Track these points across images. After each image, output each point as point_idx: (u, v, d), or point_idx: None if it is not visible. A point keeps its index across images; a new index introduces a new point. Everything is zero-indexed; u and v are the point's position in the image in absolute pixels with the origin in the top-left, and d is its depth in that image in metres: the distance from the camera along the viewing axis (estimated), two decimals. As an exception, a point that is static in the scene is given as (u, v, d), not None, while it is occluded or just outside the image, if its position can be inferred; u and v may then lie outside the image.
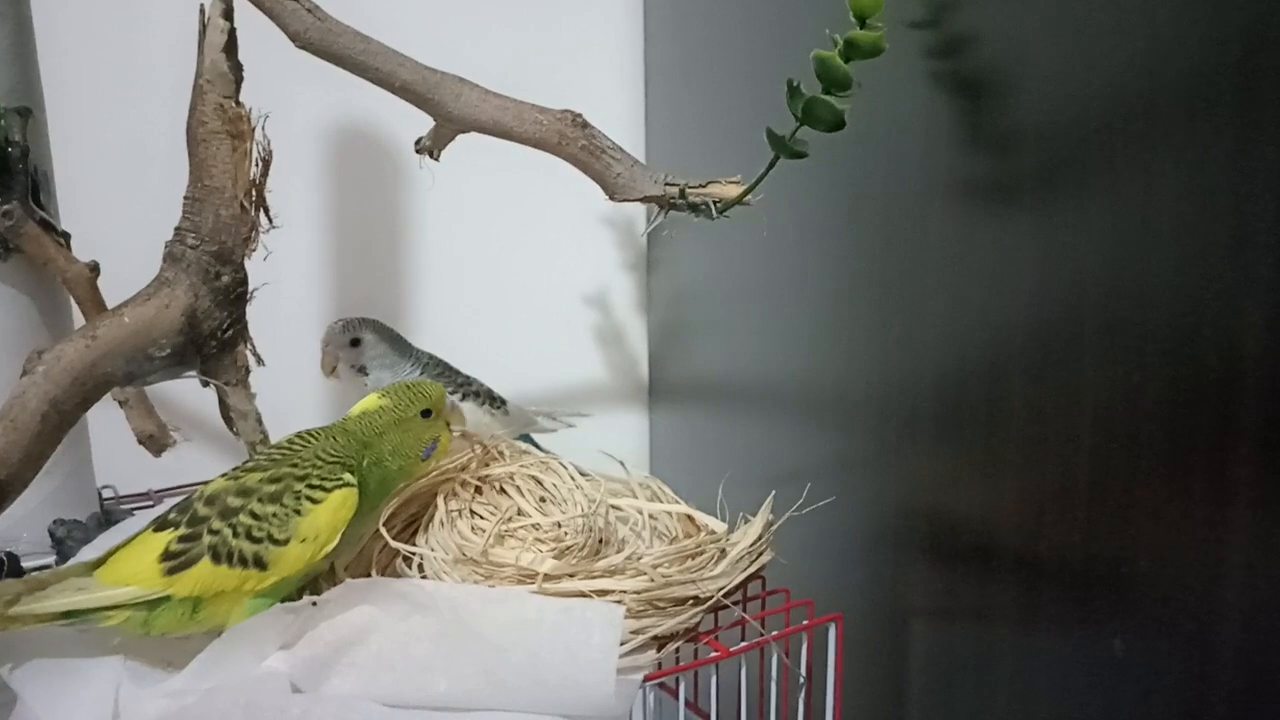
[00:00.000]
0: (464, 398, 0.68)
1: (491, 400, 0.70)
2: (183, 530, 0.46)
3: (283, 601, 0.47)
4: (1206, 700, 0.46)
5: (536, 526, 0.53)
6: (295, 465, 0.47)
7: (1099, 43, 0.48)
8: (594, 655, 0.44)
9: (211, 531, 0.45)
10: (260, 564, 0.45)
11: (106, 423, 0.59)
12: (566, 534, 0.52)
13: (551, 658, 0.44)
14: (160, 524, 0.47)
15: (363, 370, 0.66)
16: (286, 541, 0.46)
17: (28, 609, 0.44)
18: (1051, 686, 0.54)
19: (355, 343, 0.66)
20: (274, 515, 0.46)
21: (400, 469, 0.50)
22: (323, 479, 0.47)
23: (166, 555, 0.45)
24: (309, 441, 0.49)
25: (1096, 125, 0.48)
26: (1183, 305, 0.45)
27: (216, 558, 0.45)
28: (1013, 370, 0.54)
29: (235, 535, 0.45)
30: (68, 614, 0.44)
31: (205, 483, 0.48)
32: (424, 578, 0.50)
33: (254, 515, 0.46)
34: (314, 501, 0.46)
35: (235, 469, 0.49)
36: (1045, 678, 0.54)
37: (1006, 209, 0.54)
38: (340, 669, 0.45)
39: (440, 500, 0.54)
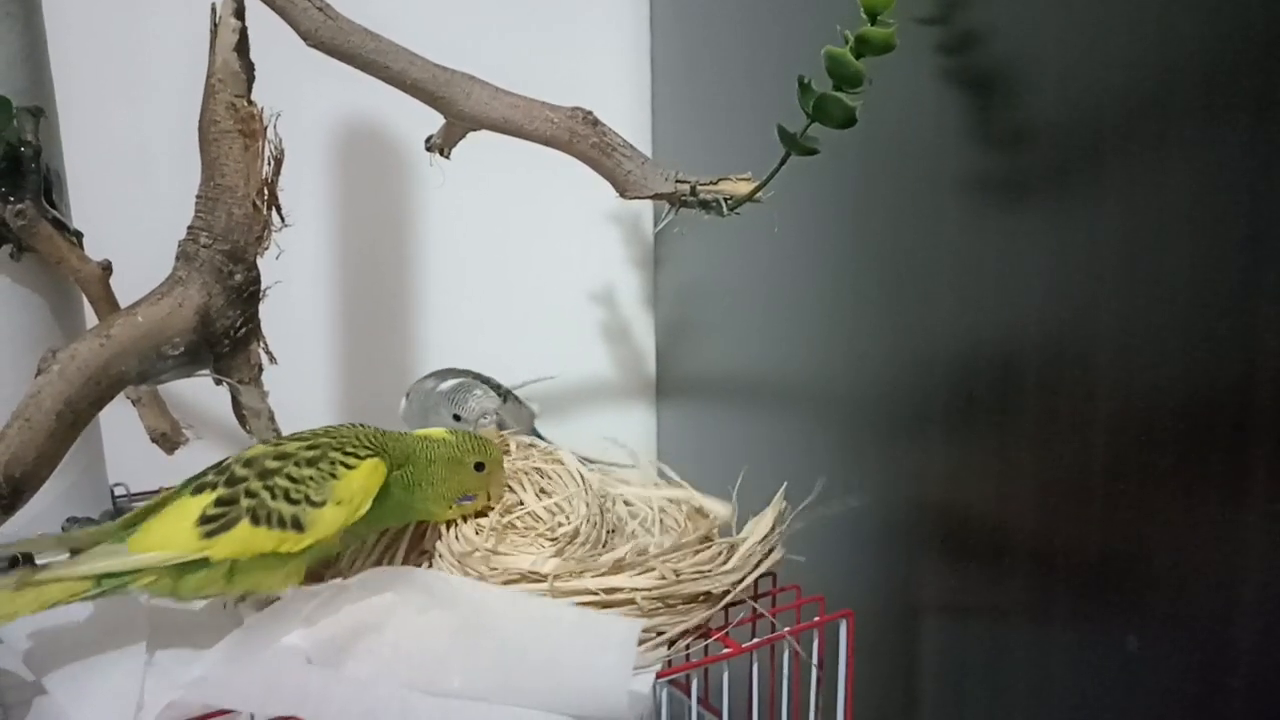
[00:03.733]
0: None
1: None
2: (220, 491, 0.46)
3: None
4: (1220, 698, 0.46)
5: (537, 518, 0.53)
6: (333, 437, 0.49)
7: (1113, 39, 0.48)
8: (610, 662, 0.45)
9: (249, 494, 0.46)
10: (298, 525, 0.46)
11: (119, 421, 0.59)
12: (566, 523, 0.52)
13: (568, 662, 0.45)
14: (198, 486, 0.47)
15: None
16: (323, 503, 0.46)
17: (61, 573, 0.44)
18: (1064, 683, 0.54)
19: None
20: (310, 478, 0.47)
21: (426, 509, 0.51)
22: (356, 448, 0.48)
23: (204, 519, 0.46)
24: (352, 428, 0.50)
25: (1110, 122, 0.48)
26: (1197, 303, 0.45)
27: (255, 520, 0.46)
28: (1025, 367, 0.54)
29: (274, 497, 0.46)
30: (99, 580, 0.45)
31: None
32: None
33: (291, 479, 0.47)
34: (348, 467, 0.47)
35: (277, 438, 0.50)
36: (1058, 674, 0.54)
37: (1018, 206, 0.54)
38: (357, 654, 0.45)
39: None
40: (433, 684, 0.45)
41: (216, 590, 0.47)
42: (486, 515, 0.53)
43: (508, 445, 0.58)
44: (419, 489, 0.50)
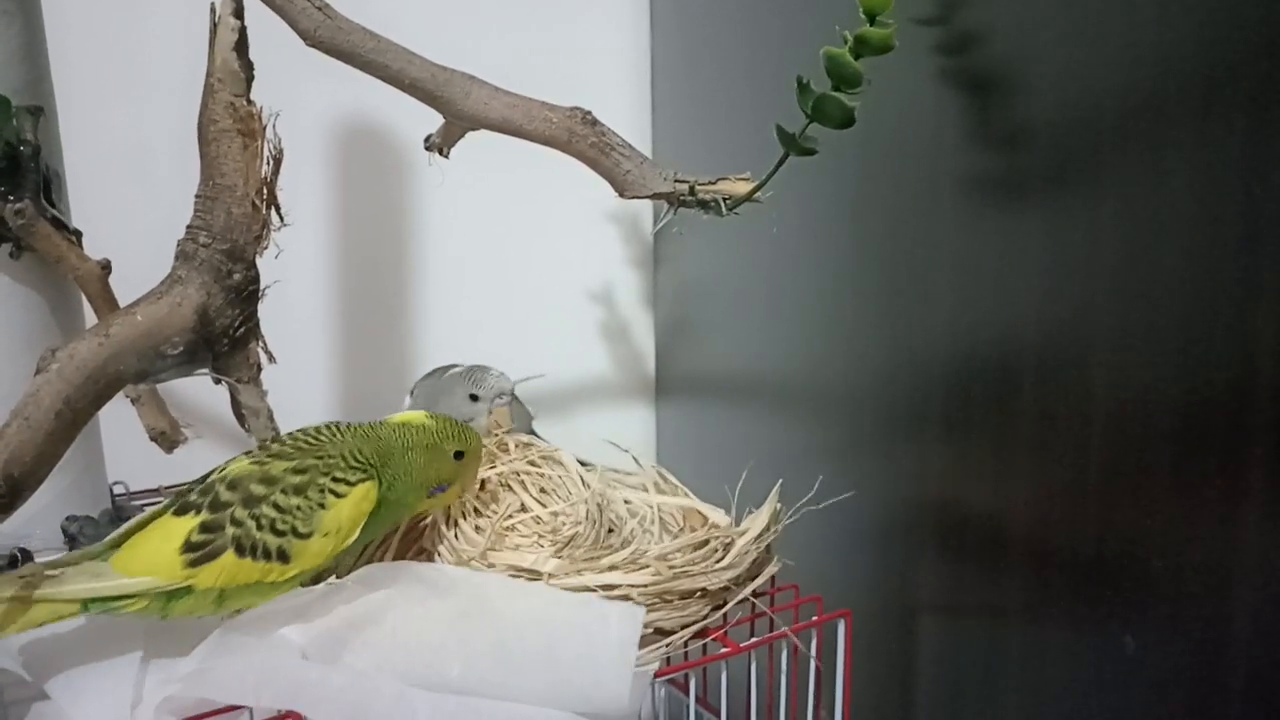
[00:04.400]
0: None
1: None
2: (205, 516, 0.45)
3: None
4: (1217, 697, 0.46)
5: (538, 520, 0.53)
6: (321, 458, 0.47)
7: (1110, 40, 0.48)
8: (611, 647, 0.45)
9: (235, 522, 0.45)
10: (283, 557, 0.45)
11: (118, 419, 0.59)
12: (566, 524, 0.52)
13: (569, 644, 0.45)
14: (181, 507, 0.46)
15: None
16: (310, 535, 0.46)
17: (47, 593, 0.43)
18: (1061, 683, 0.54)
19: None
20: (298, 508, 0.46)
21: (404, 500, 0.49)
22: (346, 473, 0.47)
23: (188, 546, 0.45)
24: (335, 435, 0.49)
25: (1107, 123, 0.49)
26: (1194, 304, 0.45)
27: (240, 550, 0.45)
28: (1023, 367, 0.54)
29: (259, 528, 0.45)
30: (86, 605, 0.44)
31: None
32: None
33: (278, 507, 0.45)
34: (338, 495, 0.46)
35: (260, 449, 0.49)
36: (1055, 674, 0.54)
37: (1016, 206, 0.54)
38: (355, 647, 0.45)
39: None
40: (431, 674, 0.45)
41: (206, 613, 0.46)
42: (458, 503, 0.52)
43: (506, 445, 0.58)
44: (397, 480, 0.48)
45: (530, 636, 0.45)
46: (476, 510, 0.54)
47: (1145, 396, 0.48)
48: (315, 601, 0.46)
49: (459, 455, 0.50)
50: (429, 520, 0.54)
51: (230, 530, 0.45)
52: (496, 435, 0.59)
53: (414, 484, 0.49)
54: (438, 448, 0.49)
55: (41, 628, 0.45)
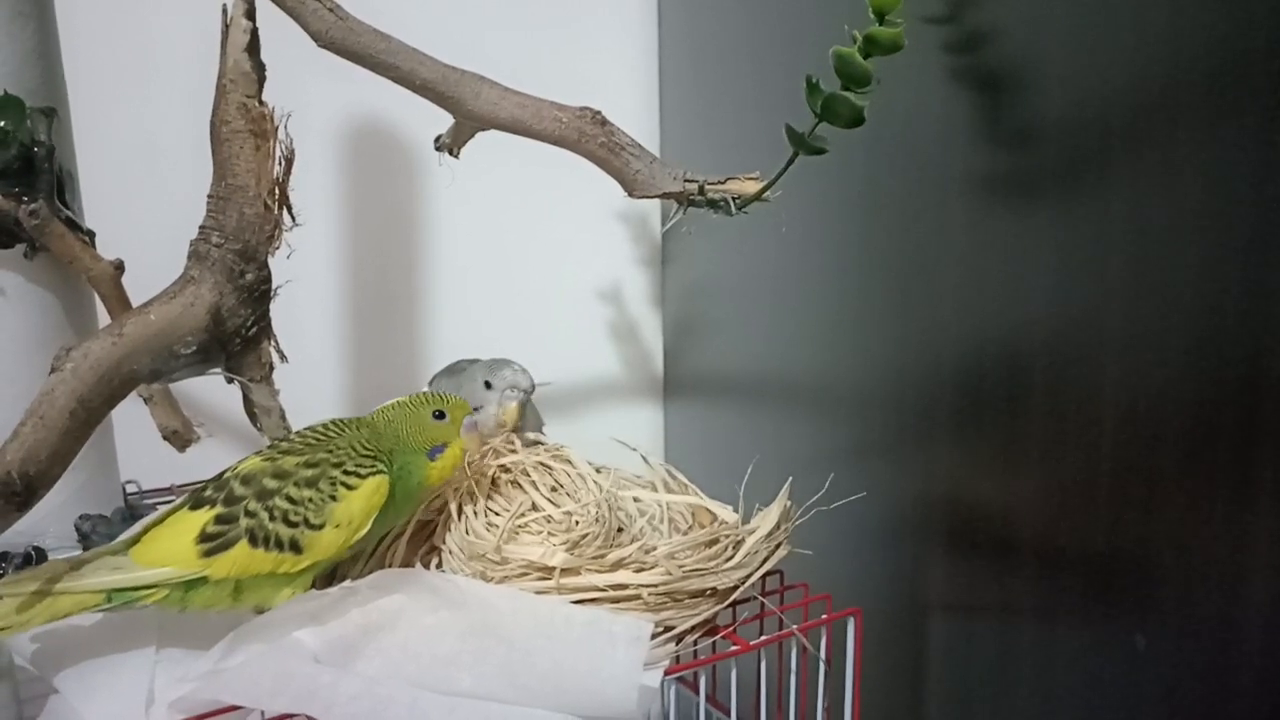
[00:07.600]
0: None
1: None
2: (219, 509, 0.47)
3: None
4: (1228, 696, 0.46)
5: (550, 519, 0.53)
6: (331, 451, 0.48)
7: (1120, 38, 0.48)
8: (617, 670, 0.45)
9: (248, 514, 0.46)
10: (296, 548, 0.46)
11: (131, 418, 0.60)
12: (579, 522, 0.52)
13: (575, 667, 0.45)
14: (196, 501, 0.48)
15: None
16: (322, 526, 0.47)
17: (68, 585, 0.44)
18: (1072, 682, 0.54)
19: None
20: (310, 500, 0.47)
21: (419, 477, 0.50)
22: (358, 465, 0.48)
23: (204, 537, 0.46)
24: (343, 430, 0.50)
25: (1117, 122, 0.48)
26: (1205, 302, 0.45)
27: (254, 541, 0.46)
28: (1033, 366, 0.54)
29: (272, 519, 0.46)
30: (108, 597, 0.45)
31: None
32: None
33: (290, 500, 0.46)
34: (349, 488, 0.47)
35: (271, 448, 0.50)
36: (1066, 673, 0.54)
37: (1026, 205, 0.54)
38: (367, 653, 0.46)
39: (456, 497, 0.54)
40: (441, 685, 0.45)
41: (224, 606, 0.47)
42: (469, 500, 0.53)
43: (515, 443, 0.58)
44: (396, 452, 0.49)
45: (539, 654, 0.45)
46: (488, 509, 0.54)
47: (1155, 396, 0.48)
48: (329, 605, 0.46)
49: (439, 415, 0.51)
50: (440, 519, 0.54)
51: (244, 522, 0.46)
52: (503, 429, 0.60)
53: (412, 452, 0.50)
54: (416, 413, 0.50)
55: (55, 623, 0.45)
